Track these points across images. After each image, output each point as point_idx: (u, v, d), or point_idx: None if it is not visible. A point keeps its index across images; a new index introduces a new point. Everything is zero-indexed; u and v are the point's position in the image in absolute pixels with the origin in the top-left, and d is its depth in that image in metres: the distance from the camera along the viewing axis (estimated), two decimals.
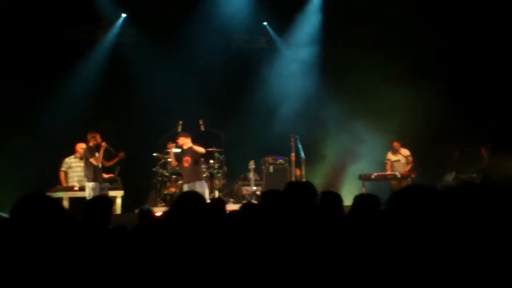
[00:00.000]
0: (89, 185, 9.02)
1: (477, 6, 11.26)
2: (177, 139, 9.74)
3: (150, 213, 5.31)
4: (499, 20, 11.08)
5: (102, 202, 4.11)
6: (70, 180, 9.76)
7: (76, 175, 9.76)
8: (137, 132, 10.94)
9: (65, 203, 9.02)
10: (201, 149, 9.48)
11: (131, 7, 11.51)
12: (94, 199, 4.49)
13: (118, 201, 9.43)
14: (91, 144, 9.22)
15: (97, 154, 9.13)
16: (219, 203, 5.08)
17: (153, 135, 10.41)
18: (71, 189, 9.42)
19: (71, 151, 9.96)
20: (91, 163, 9.07)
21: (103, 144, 9.22)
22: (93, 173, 9.07)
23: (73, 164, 9.85)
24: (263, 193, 4.07)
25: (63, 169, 9.79)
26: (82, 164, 9.59)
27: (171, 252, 2.79)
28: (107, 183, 9.66)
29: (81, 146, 9.70)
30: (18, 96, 10.50)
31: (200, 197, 3.13)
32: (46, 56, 10.81)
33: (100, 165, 9.19)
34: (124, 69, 11.25)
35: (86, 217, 3.81)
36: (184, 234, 2.86)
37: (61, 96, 10.75)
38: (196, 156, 9.49)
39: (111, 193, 9.39)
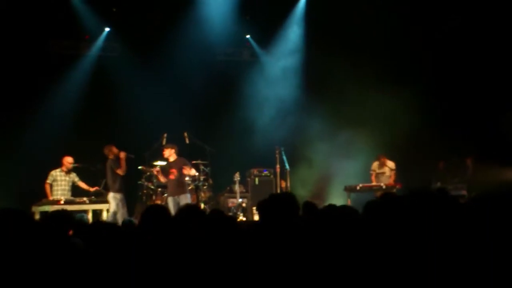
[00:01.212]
0: (116, 196, 9.50)
1: (454, 21, 11.41)
2: (163, 151, 9.75)
3: (133, 226, 5.30)
4: (483, 29, 11.19)
5: (159, 209, 3.93)
6: (54, 193, 9.70)
7: (61, 189, 9.72)
8: (122, 145, 10.88)
9: None
10: (193, 172, 9.69)
11: (114, 21, 11.55)
12: (151, 207, 4.32)
13: (104, 214, 9.38)
14: (111, 157, 9.65)
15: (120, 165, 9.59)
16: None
17: (138, 148, 10.38)
18: (57, 203, 9.34)
19: (57, 164, 9.90)
20: (117, 174, 9.54)
21: (122, 154, 9.64)
22: (119, 184, 9.56)
23: (59, 178, 9.81)
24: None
25: (48, 181, 9.75)
26: (67, 178, 9.79)
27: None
28: (93, 196, 9.63)
29: (67, 160, 9.77)
30: (2, 109, 10.47)
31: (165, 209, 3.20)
32: (30, 69, 10.81)
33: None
34: (108, 82, 11.28)
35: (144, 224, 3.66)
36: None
37: (45, 110, 10.76)
38: (181, 169, 9.51)
39: (97, 206, 9.37)
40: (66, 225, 4.03)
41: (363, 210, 3.16)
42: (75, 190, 9.89)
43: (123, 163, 9.66)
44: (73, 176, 9.91)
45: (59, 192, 9.68)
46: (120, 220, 9.01)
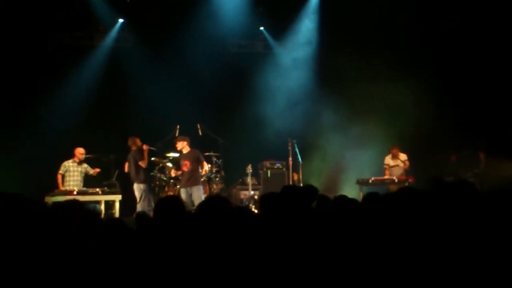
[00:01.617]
0: (140, 186, 9.70)
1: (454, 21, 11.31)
2: (176, 143, 9.79)
3: (147, 218, 5.33)
4: (499, 20, 11.06)
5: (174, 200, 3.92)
6: (65, 184, 9.78)
7: (73, 179, 9.81)
8: (134, 136, 10.94)
9: None
10: (206, 167, 9.89)
11: (128, 12, 11.54)
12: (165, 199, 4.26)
13: (117, 205, 9.45)
14: (134, 148, 9.82)
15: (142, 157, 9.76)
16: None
17: (150, 139, 10.42)
18: (70, 193, 9.41)
19: (70, 155, 9.97)
20: (140, 166, 9.68)
21: (145, 147, 9.81)
22: (143, 175, 9.76)
23: (71, 168, 9.89)
24: (261, 197, 4.06)
25: (60, 172, 9.83)
26: (79, 169, 9.92)
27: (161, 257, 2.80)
28: (106, 188, 9.70)
29: (79, 151, 9.89)
30: (16, 100, 10.55)
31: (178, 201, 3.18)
32: (44, 61, 10.87)
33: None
34: (121, 73, 11.30)
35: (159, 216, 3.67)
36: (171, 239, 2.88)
37: (58, 101, 10.80)
38: (195, 161, 9.56)
39: (109, 197, 9.44)
40: (76, 215, 4.02)
41: (378, 203, 3.15)
42: (88, 181, 9.97)
43: (145, 155, 9.79)
44: (85, 167, 9.99)
45: (72, 183, 9.76)
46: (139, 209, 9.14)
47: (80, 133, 10.56)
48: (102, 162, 10.22)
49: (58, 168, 9.84)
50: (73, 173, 9.85)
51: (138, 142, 9.84)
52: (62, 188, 9.67)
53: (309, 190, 4.99)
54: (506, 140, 11.07)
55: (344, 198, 4.17)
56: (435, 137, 11.30)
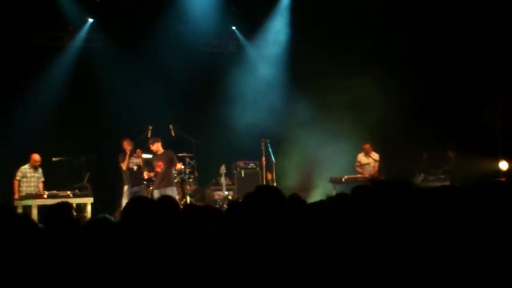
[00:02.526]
0: (124, 188, 9.78)
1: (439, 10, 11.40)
2: (150, 145, 9.71)
3: (107, 222, 5.24)
4: (469, 20, 11.22)
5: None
6: (23, 189, 9.56)
7: (29, 185, 9.63)
8: (106, 138, 10.82)
9: (34, 211, 8.88)
10: (179, 166, 9.85)
11: (97, 12, 11.40)
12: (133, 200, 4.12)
13: (88, 208, 9.33)
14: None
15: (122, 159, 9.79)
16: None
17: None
18: (40, 196, 9.25)
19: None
20: (121, 168, 9.74)
21: (128, 151, 9.77)
22: (125, 178, 9.78)
23: (28, 174, 9.71)
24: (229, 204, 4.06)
25: (17, 178, 9.62)
26: (36, 174, 9.76)
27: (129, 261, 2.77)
28: (76, 190, 9.56)
29: (34, 158, 9.71)
30: None
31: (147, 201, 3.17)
32: (13, 61, 10.65)
33: (135, 169, 9.86)
34: (92, 74, 11.14)
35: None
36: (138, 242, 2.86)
37: (29, 102, 10.60)
38: (168, 161, 9.51)
39: (81, 200, 9.30)
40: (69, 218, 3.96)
41: (352, 195, 3.17)
42: (58, 183, 9.79)
43: (126, 157, 9.76)
44: (40, 173, 9.83)
45: (29, 189, 9.57)
46: None
47: (51, 135, 10.40)
48: (73, 165, 10.06)
49: (14, 173, 9.63)
50: (30, 179, 9.69)
51: (125, 144, 9.78)
52: (17, 195, 9.45)
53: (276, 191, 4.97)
54: (475, 138, 11.30)
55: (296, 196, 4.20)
56: (407, 134, 11.43)
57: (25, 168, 9.70)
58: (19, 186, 9.59)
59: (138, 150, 9.97)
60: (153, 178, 9.86)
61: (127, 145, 9.77)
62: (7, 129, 10.28)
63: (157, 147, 9.65)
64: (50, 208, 4.02)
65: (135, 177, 9.87)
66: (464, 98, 11.65)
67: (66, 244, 3.27)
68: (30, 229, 3.03)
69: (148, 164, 10.00)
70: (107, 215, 6.07)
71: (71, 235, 3.15)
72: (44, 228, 3.75)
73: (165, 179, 9.52)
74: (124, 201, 9.69)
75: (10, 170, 9.75)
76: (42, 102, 10.72)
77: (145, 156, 10.14)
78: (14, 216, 3.17)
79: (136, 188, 9.78)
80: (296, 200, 4.79)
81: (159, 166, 9.55)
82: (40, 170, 9.82)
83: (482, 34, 11.17)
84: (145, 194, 9.68)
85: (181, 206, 6.71)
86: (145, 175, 9.93)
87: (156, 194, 9.46)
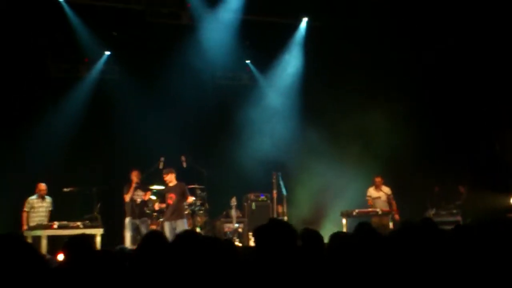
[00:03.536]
0: (126, 220, 9.81)
1: (447, 41, 11.42)
2: (164, 175, 9.73)
3: (124, 254, 5.23)
4: (476, 50, 11.21)
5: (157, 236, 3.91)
6: (31, 220, 9.56)
7: (38, 215, 9.65)
8: (118, 169, 10.87)
9: (44, 242, 8.87)
10: (190, 199, 9.81)
11: (114, 45, 11.60)
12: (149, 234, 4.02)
13: (98, 239, 9.28)
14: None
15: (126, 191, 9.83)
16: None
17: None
18: (50, 227, 9.25)
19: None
20: (124, 199, 9.63)
21: (133, 183, 9.83)
22: (128, 209, 9.83)
23: (36, 205, 9.72)
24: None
25: (26, 209, 9.65)
26: (44, 204, 9.76)
27: None
28: (87, 221, 9.54)
29: (40, 188, 9.74)
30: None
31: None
32: (29, 92, 10.84)
33: (138, 201, 9.91)
34: (107, 105, 11.30)
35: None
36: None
37: (43, 133, 10.70)
38: (181, 194, 9.52)
39: (90, 231, 9.25)
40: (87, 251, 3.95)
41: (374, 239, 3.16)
42: (69, 214, 9.80)
43: (131, 189, 9.83)
44: (49, 201, 9.85)
45: (37, 219, 9.56)
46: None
47: (63, 165, 10.47)
48: (84, 195, 10.08)
49: (22, 205, 9.64)
50: (38, 209, 9.70)
51: (132, 176, 9.86)
52: (25, 227, 9.44)
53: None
54: (487, 173, 11.21)
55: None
56: (419, 169, 11.37)
57: (32, 199, 9.72)
58: (28, 217, 9.60)
59: (148, 192, 10.09)
60: (164, 210, 9.84)
61: (134, 177, 9.83)
62: (21, 160, 10.35)
63: (171, 178, 9.66)
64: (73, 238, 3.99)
65: (137, 210, 9.87)
66: (477, 131, 11.60)
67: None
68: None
69: (159, 195, 10.02)
70: (123, 246, 6.06)
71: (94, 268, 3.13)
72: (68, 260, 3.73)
73: (176, 211, 9.50)
74: (127, 233, 9.70)
75: (22, 200, 9.81)
76: (57, 133, 10.85)
77: (156, 187, 10.16)
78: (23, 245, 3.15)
79: (137, 221, 9.80)
80: (310, 236, 4.76)
81: (171, 198, 9.55)
82: (48, 199, 9.82)
83: (494, 63, 11.11)
84: (146, 228, 9.71)
85: None
86: (156, 206, 9.95)
87: (167, 226, 9.43)
